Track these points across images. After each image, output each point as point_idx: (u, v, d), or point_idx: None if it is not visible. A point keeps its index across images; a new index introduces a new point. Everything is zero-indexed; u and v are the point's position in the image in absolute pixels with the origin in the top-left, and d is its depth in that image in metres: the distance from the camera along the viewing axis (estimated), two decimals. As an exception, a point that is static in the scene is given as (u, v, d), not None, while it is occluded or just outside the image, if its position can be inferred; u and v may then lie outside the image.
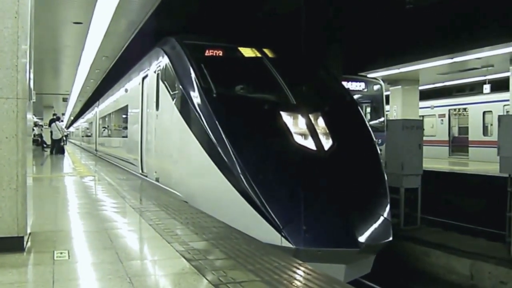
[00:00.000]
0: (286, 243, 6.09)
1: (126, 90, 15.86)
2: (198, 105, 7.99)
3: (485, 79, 19.82)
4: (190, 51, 9.03)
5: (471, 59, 15.57)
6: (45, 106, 37.26)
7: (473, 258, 8.43)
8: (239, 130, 7.51)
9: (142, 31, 13.43)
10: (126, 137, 15.79)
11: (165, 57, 9.94)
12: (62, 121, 37.95)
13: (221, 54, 9.13)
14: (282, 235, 6.15)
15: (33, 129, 30.24)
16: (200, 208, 7.35)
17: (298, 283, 3.81)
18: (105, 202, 8.19)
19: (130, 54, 15.84)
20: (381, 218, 6.95)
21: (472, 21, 12.08)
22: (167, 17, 12.52)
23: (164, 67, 9.99)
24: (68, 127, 64.86)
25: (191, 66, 8.59)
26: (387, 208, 7.18)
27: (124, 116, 17.05)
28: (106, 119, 23.38)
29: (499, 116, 9.08)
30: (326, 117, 7.87)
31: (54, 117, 27.09)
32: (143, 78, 12.34)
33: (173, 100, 9.20)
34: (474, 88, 23.27)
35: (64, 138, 30.22)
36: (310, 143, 7.36)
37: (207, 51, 9.11)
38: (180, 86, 8.74)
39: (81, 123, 46.09)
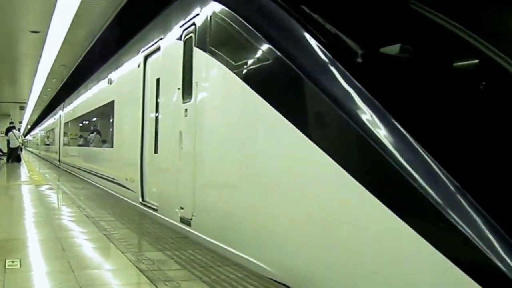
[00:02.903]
0: None
1: (110, 81, 11.75)
2: (323, 79, 3.80)
3: None
4: None
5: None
6: (2, 114, 37.05)
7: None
8: (434, 127, 3.48)
9: (101, 40, 13.37)
10: (111, 146, 11.61)
11: (212, 2, 5.69)
12: (18, 129, 37.28)
13: None
14: None
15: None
16: None
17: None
18: (60, 211, 8.11)
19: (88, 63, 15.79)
20: None
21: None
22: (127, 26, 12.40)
23: (209, 21, 5.70)
24: (25, 135, 63.67)
25: (282, 9, 4.45)
26: None
27: (106, 117, 12.53)
28: (76, 123, 18.65)
29: None
30: None
31: (11, 125, 26.80)
32: (146, 57, 8.53)
33: (240, 76, 4.95)
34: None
35: (21, 146, 29.76)
36: None
37: None
38: (262, 47, 4.54)
39: (40, 130, 44.63)
